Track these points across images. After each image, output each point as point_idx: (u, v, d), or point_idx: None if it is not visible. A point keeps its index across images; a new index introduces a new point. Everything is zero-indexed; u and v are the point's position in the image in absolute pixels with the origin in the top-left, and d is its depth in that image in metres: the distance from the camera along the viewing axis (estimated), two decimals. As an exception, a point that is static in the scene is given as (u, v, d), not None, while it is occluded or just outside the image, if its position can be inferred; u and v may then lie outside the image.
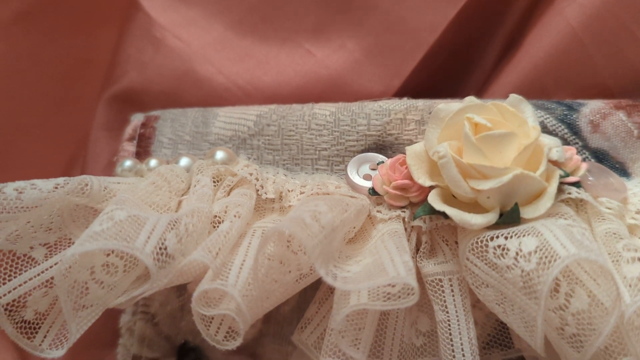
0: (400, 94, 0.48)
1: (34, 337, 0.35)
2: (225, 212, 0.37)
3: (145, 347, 0.43)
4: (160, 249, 0.32)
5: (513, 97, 0.38)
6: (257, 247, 0.33)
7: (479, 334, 0.41)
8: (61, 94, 0.50)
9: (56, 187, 0.35)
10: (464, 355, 0.35)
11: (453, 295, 0.37)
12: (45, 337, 0.35)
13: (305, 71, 0.48)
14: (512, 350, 0.42)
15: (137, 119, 0.46)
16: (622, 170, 0.41)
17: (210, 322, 0.34)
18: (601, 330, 0.32)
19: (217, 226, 0.36)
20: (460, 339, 0.36)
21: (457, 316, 0.36)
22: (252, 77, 0.48)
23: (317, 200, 0.35)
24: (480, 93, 0.49)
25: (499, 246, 0.34)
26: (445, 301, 0.36)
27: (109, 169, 0.47)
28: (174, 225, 0.33)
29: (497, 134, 0.35)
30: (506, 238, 0.34)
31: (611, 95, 0.44)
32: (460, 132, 0.36)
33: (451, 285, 0.37)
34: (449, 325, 0.36)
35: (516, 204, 0.35)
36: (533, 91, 0.45)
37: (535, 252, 0.32)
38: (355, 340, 0.34)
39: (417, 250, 0.38)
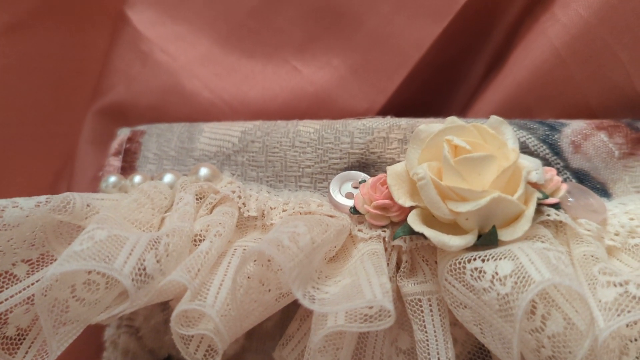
0: (385, 110, 0.48)
1: (15, 353, 0.35)
2: (207, 231, 0.37)
3: (129, 360, 0.44)
4: (139, 269, 0.32)
5: (494, 118, 0.38)
6: (235, 268, 0.33)
7: (459, 352, 0.42)
8: (50, 105, 0.51)
9: (38, 205, 0.35)
10: (442, 375, 0.36)
11: (432, 315, 0.37)
12: (27, 352, 0.36)
13: (291, 87, 0.48)
14: (492, 367, 0.42)
15: (123, 133, 0.46)
16: (603, 191, 0.42)
17: (190, 341, 0.34)
18: (576, 353, 0.32)
19: (198, 244, 0.37)
20: (439, 359, 0.36)
21: (435, 336, 0.36)
22: (238, 92, 0.48)
23: (297, 221, 0.35)
24: (464, 110, 0.49)
25: (475, 268, 0.34)
26: (424, 321, 0.37)
27: (95, 183, 0.47)
28: (153, 245, 0.34)
29: (476, 156, 0.35)
30: (483, 261, 0.34)
31: (593, 115, 0.44)
32: (441, 153, 0.37)
33: (430, 305, 0.37)
34: (428, 345, 0.36)
35: (494, 227, 0.35)
36: (516, 109, 0.46)
37: (511, 275, 0.32)
38: (333, 357, 0.35)
39: (398, 269, 0.39)
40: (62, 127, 0.51)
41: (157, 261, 0.33)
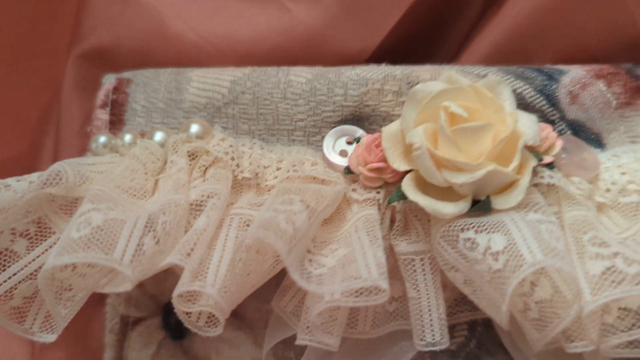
0: (379, 51, 0.46)
1: (24, 321, 0.36)
2: (203, 200, 0.37)
3: (132, 306, 0.46)
4: (138, 254, 0.33)
5: (492, 78, 0.37)
6: (233, 246, 0.34)
7: (448, 297, 0.43)
8: (27, 54, 0.48)
9: (31, 183, 0.35)
10: (433, 332, 0.37)
11: (424, 275, 0.38)
12: (35, 320, 0.37)
13: (281, 27, 0.45)
14: (480, 311, 0.44)
15: (108, 82, 0.44)
16: (597, 142, 0.41)
17: (192, 312, 0.35)
18: (562, 319, 0.34)
19: (195, 213, 0.37)
20: (430, 316, 0.38)
21: (427, 294, 0.38)
22: (225, 33, 0.46)
23: (292, 194, 0.35)
24: (461, 51, 0.48)
25: (469, 239, 0.35)
26: (416, 280, 0.38)
27: (84, 134, 0.46)
28: (151, 226, 0.34)
29: (473, 126, 0.35)
30: (476, 232, 0.35)
31: (594, 59, 0.43)
32: (437, 115, 0.36)
33: (422, 265, 0.38)
34: (420, 302, 0.38)
35: (488, 197, 0.36)
36: (514, 51, 0.44)
37: (503, 252, 0.33)
38: (328, 326, 0.36)
39: (392, 225, 0.39)
40: (43, 75, 0.49)
41: (156, 243, 0.34)
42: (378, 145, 0.38)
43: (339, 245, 0.36)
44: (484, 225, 0.34)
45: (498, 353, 0.44)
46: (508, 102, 0.37)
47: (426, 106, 0.37)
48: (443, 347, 0.37)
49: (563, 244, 0.34)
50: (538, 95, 0.41)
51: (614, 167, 0.40)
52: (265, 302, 0.43)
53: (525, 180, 0.35)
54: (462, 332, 0.44)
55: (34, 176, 0.35)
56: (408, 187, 0.37)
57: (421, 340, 0.37)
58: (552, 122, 0.41)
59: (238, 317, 0.45)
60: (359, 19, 0.46)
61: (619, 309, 0.36)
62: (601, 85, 0.41)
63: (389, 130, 0.38)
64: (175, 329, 0.46)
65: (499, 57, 0.45)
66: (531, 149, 0.38)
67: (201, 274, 0.34)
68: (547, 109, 0.41)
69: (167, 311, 0.46)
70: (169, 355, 0.46)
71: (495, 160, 0.35)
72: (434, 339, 0.37)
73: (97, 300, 0.46)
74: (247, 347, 0.45)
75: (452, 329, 0.44)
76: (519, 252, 0.32)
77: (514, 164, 0.35)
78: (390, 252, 0.39)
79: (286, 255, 0.32)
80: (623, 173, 0.40)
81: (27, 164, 0.51)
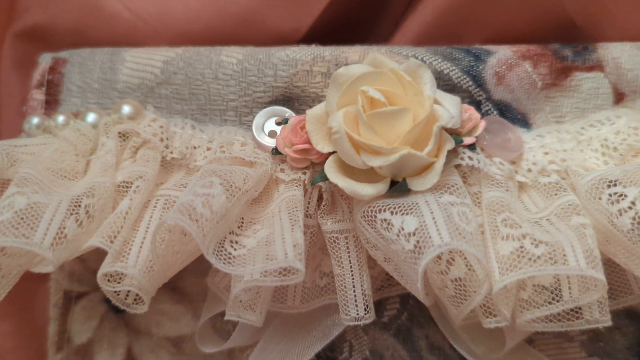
0: (312, 31, 0.46)
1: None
2: (130, 182, 0.38)
3: (75, 281, 0.47)
4: (59, 237, 0.34)
5: (412, 62, 0.38)
6: (154, 229, 0.35)
7: (380, 271, 0.45)
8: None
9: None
10: (357, 307, 0.39)
11: (348, 252, 0.39)
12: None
13: (215, 6, 0.45)
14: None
15: (45, 61, 0.45)
16: (524, 122, 0.42)
17: (119, 291, 0.37)
18: (474, 297, 0.36)
19: (123, 193, 0.38)
20: (354, 291, 0.39)
21: (351, 271, 0.39)
22: (160, 12, 0.46)
23: (214, 177, 0.36)
24: (394, 31, 0.48)
25: (385, 219, 0.36)
26: (341, 257, 0.39)
27: (21, 112, 0.46)
28: (74, 209, 0.35)
29: (389, 111, 0.36)
30: (392, 213, 0.36)
31: (523, 40, 0.43)
32: (357, 99, 0.37)
33: (347, 243, 0.39)
34: (344, 279, 0.39)
35: (404, 179, 0.37)
36: (445, 31, 0.44)
37: (414, 234, 0.34)
38: (253, 304, 0.38)
39: (319, 204, 0.40)
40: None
41: (79, 225, 0.35)
42: (303, 128, 0.39)
43: (262, 225, 0.38)
44: (399, 207, 0.36)
45: (429, 326, 0.46)
46: (428, 85, 0.37)
47: (347, 90, 0.37)
48: (367, 321, 0.39)
49: (474, 226, 0.35)
50: (465, 76, 0.41)
51: (538, 147, 0.41)
52: (204, 276, 0.44)
53: (440, 163, 0.36)
54: (394, 305, 0.46)
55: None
56: (330, 168, 0.38)
57: (346, 315, 0.39)
58: (478, 103, 0.42)
59: (177, 291, 0.47)
60: None
61: (534, 285, 0.37)
62: (527, 66, 0.42)
63: (313, 112, 0.39)
64: (117, 302, 0.47)
65: (430, 38, 0.45)
66: (452, 131, 0.38)
67: (123, 255, 0.35)
68: (474, 89, 0.42)
69: (109, 285, 0.47)
70: (111, 328, 0.47)
71: (411, 144, 0.36)
72: (358, 314, 0.39)
73: (41, 276, 0.47)
74: (187, 319, 0.47)
75: (384, 302, 0.46)
76: (428, 235, 0.33)
77: (429, 147, 0.36)
78: (319, 230, 0.41)
79: (202, 239, 0.33)
80: (546, 153, 0.41)
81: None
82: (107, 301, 0.47)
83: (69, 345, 0.47)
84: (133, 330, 0.47)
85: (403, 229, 0.35)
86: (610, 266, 0.40)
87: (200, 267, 0.45)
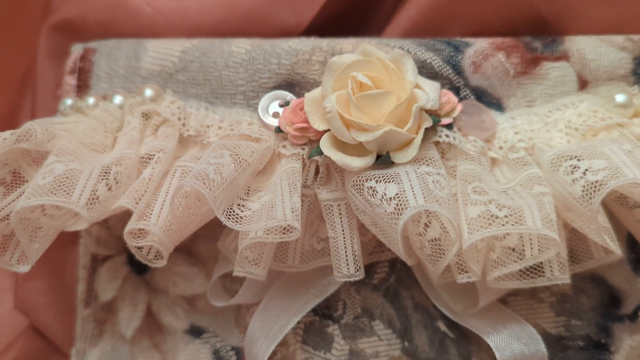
0: (313, 25, 0.52)
1: (4, 254, 0.44)
2: (151, 155, 0.44)
3: (102, 246, 0.53)
4: (93, 198, 0.40)
5: (397, 52, 0.43)
6: (172, 193, 0.41)
7: (371, 238, 0.50)
8: (7, 22, 0.54)
9: (5, 140, 0.42)
10: (348, 265, 0.44)
11: (340, 218, 0.45)
12: (13, 254, 0.44)
13: (226, 3, 0.52)
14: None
15: (76, 50, 0.51)
16: (498, 106, 0.48)
17: (142, 247, 0.42)
18: (447, 254, 0.41)
19: (145, 164, 0.44)
20: (346, 252, 0.44)
21: (343, 234, 0.44)
22: (177, 8, 0.52)
23: (224, 149, 0.42)
24: (384, 25, 0.54)
25: (370, 187, 0.41)
26: (334, 222, 0.45)
27: (56, 98, 0.52)
28: (104, 175, 0.41)
29: (374, 93, 0.41)
30: (376, 182, 0.41)
31: (498, 34, 0.49)
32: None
33: (339, 210, 0.45)
34: (337, 241, 0.44)
35: (388, 153, 0.42)
36: (429, 26, 0.50)
37: (394, 198, 0.39)
38: (257, 260, 0.43)
39: (317, 177, 0.46)
40: (21, 45, 0.56)
41: (109, 189, 0.41)
42: (302, 109, 0.45)
43: (266, 192, 0.43)
44: (382, 177, 0.41)
45: (414, 287, 0.51)
46: (410, 72, 0.43)
47: (340, 75, 0.43)
48: (357, 278, 0.44)
49: (447, 192, 0.40)
50: (445, 65, 0.47)
51: (509, 128, 0.47)
52: (216, 241, 0.50)
53: (418, 139, 0.42)
54: (384, 269, 0.51)
55: (7, 134, 0.42)
56: (325, 144, 0.43)
57: (339, 272, 0.44)
58: (457, 89, 0.47)
59: (192, 254, 0.53)
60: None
61: (502, 247, 0.43)
62: (501, 56, 0.47)
63: (311, 95, 0.44)
64: (138, 264, 0.52)
65: (417, 31, 0.51)
66: (432, 112, 0.44)
67: (146, 215, 0.41)
68: (453, 77, 0.47)
69: (131, 250, 0.53)
70: (133, 287, 0.53)
71: (395, 122, 0.42)
72: (349, 271, 0.44)
73: (71, 241, 0.54)
74: (200, 280, 0.53)
75: (374, 266, 0.51)
76: (405, 198, 0.39)
77: (409, 125, 0.41)
78: (316, 199, 0.46)
79: (213, 200, 0.39)
80: (516, 132, 0.46)
81: (10, 121, 0.58)
82: (130, 263, 0.53)
83: (95, 302, 0.53)
84: (152, 289, 0.53)
85: (385, 195, 0.40)
86: (574, 234, 0.45)
87: (212, 233, 0.51)
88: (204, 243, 0.52)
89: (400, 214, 0.39)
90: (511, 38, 0.48)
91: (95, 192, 0.40)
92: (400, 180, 0.40)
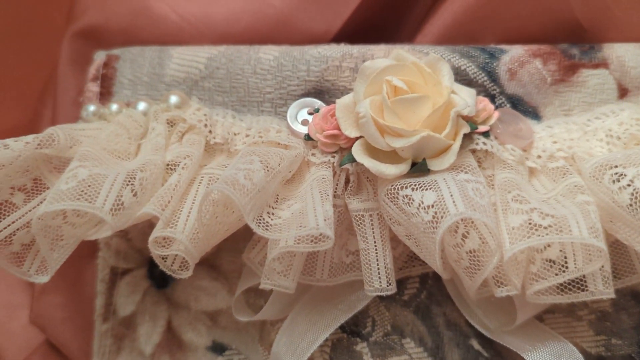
0: (342, 33, 0.51)
1: (22, 264, 0.42)
2: (177, 161, 0.42)
3: (121, 259, 0.51)
4: (117, 204, 0.38)
5: (432, 56, 0.42)
6: (200, 199, 0.39)
7: (402, 251, 0.48)
8: (29, 30, 0.53)
9: (27, 144, 0.40)
10: (380, 279, 0.42)
11: (372, 229, 0.43)
12: (32, 264, 0.42)
13: (253, 10, 0.51)
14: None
15: (99, 57, 0.50)
16: (534, 114, 0.46)
17: (167, 257, 0.41)
18: (487, 266, 0.39)
19: (171, 172, 0.42)
20: (378, 265, 0.42)
21: (375, 246, 0.43)
22: (204, 15, 0.51)
23: (253, 155, 0.41)
24: (415, 34, 0.52)
25: (406, 195, 0.40)
26: (365, 233, 0.43)
27: (77, 105, 0.51)
28: (129, 181, 0.39)
29: (410, 97, 0.40)
30: (413, 189, 0.40)
31: (534, 41, 0.47)
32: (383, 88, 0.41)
33: (371, 221, 0.43)
34: (368, 253, 0.43)
35: (424, 160, 0.40)
36: (461, 32, 0.49)
37: (433, 206, 0.38)
38: (286, 271, 0.42)
39: (347, 186, 0.44)
40: (43, 52, 0.55)
41: (134, 195, 0.39)
42: (333, 115, 0.43)
43: (296, 200, 0.42)
44: (419, 184, 0.39)
45: (446, 304, 0.49)
46: (446, 77, 0.41)
47: (373, 80, 0.41)
48: (389, 292, 0.42)
49: (487, 200, 0.39)
50: (480, 72, 0.46)
51: (547, 137, 0.45)
52: (240, 255, 0.48)
53: (456, 145, 0.40)
54: (414, 284, 0.49)
55: (30, 138, 0.40)
56: (357, 151, 0.42)
57: (370, 286, 0.42)
58: (492, 97, 0.46)
59: (215, 268, 0.51)
60: (324, 3, 0.51)
61: (543, 259, 0.41)
62: (537, 63, 0.46)
63: (343, 101, 0.43)
64: (159, 278, 0.51)
65: (449, 38, 0.50)
66: (468, 119, 0.42)
67: (172, 222, 0.39)
68: (489, 84, 0.46)
69: (152, 263, 0.51)
70: (153, 302, 0.51)
71: (431, 128, 0.40)
72: (381, 285, 0.42)
73: (89, 254, 0.52)
74: (223, 295, 0.51)
75: (405, 281, 0.49)
76: (445, 206, 0.37)
77: (447, 130, 0.40)
78: (346, 210, 0.44)
79: (243, 205, 0.37)
80: (554, 142, 0.44)
81: (30, 130, 0.56)
82: (150, 277, 0.52)
83: (114, 317, 0.51)
84: (173, 304, 0.51)
85: (422, 203, 0.38)
86: (615, 248, 0.44)
87: (236, 246, 0.49)
88: (227, 257, 0.51)
89: (439, 223, 0.37)
90: (547, 45, 0.46)
91: (120, 197, 0.38)
92: (439, 187, 0.39)
